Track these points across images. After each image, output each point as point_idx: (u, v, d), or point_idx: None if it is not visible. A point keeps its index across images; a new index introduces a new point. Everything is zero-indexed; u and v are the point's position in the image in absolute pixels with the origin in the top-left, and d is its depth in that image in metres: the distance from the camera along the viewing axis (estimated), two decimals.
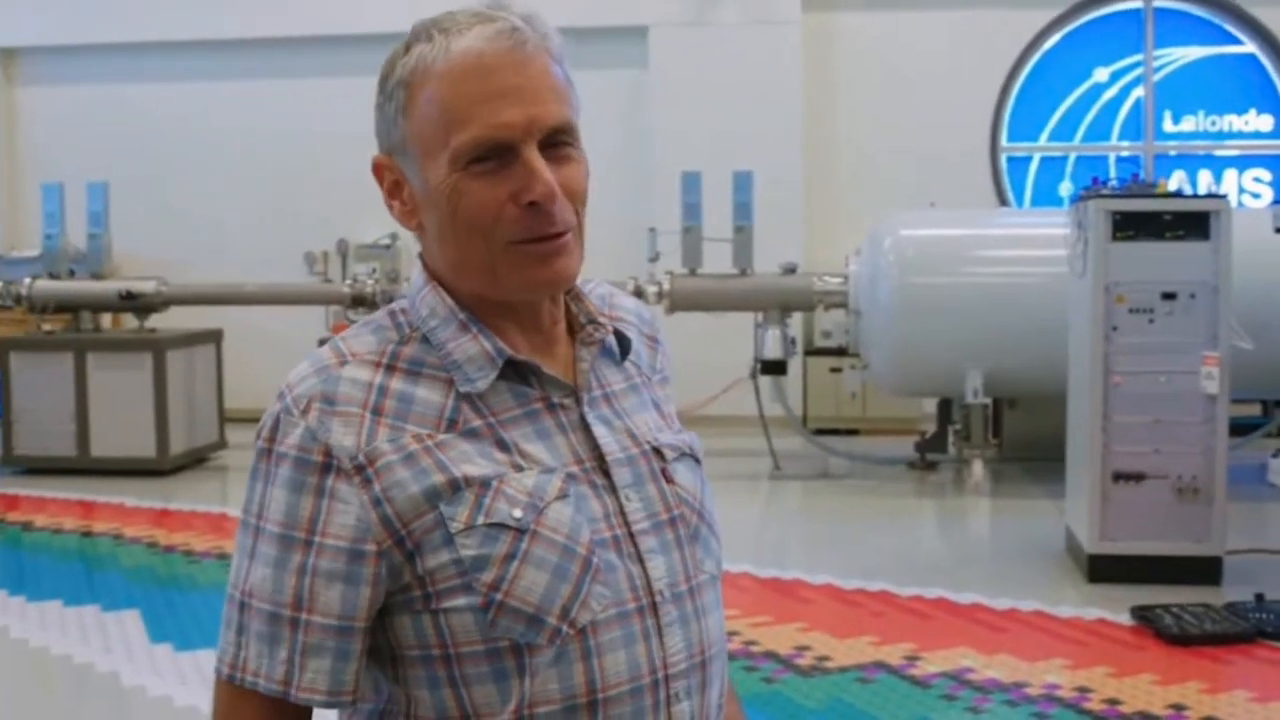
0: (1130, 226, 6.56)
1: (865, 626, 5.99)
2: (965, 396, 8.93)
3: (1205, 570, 6.54)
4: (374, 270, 11.61)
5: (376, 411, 1.36)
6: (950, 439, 9.56)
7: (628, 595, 1.39)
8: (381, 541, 1.33)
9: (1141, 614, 5.94)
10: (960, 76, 11.63)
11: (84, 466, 9.71)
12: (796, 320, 10.42)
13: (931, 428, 9.82)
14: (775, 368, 9.55)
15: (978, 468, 8.97)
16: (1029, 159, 11.93)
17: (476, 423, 1.38)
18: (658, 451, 1.48)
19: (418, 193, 1.41)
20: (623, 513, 1.41)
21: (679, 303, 9.69)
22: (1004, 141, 11.86)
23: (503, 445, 1.38)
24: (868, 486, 9.35)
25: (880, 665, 5.46)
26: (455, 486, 1.34)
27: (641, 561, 1.41)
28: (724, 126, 11.44)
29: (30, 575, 7.15)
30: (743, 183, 9.66)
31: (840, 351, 9.99)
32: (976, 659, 5.51)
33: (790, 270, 9.63)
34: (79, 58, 12.66)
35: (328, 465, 1.34)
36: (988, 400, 9.00)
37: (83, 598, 6.57)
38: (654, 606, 1.40)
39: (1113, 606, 6.15)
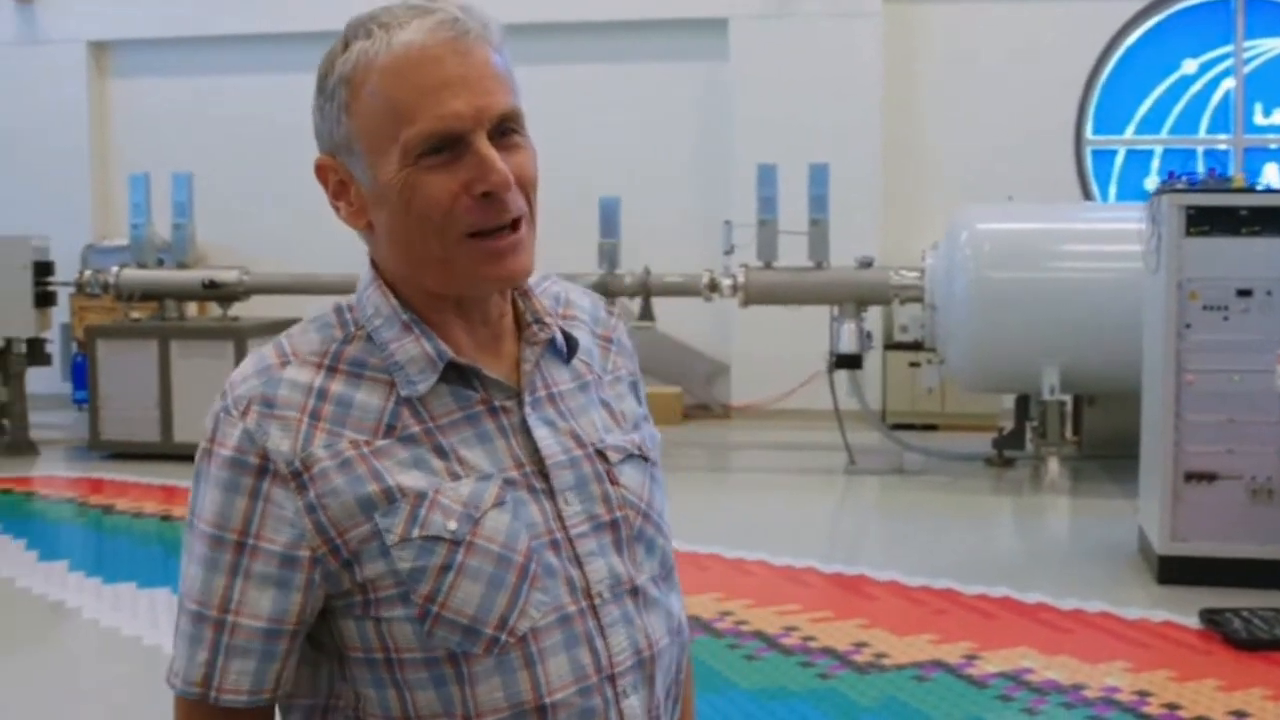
0: (1205, 221, 6.43)
1: (927, 624, 5.94)
2: (1042, 393, 8.82)
3: (1279, 574, 6.42)
4: None
5: (315, 416, 1.35)
6: (1028, 436, 9.44)
7: (567, 599, 1.39)
8: (316, 548, 1.33)
9: (1210, 617, 5.83)
10: (1044, 68, 11.45)
11: (167, 452, 9.90)
12: (875, 315, 10.35)
13: (1010, 424, 9.69)
14: (850, 362, 9.49)
15: (1054, 465, 8.85)
16: (1114, 152, 11.73)
17: (415, 429, 1.37)
18: (601, 454, 1.47)
19: (365, 191, 1.39)
20: (560, 516, 1.40)
21: (754, 296, 9.67)
22: (1089, 134, 11.67)
23: (440, 452, 1.37)
24: (942, 483, 9.26)
25: (938, 664, 5.41)
26: (390, 497, 1.33)
27: (580, 564, 1.41)
28: (803, 119, 11.37)
29: (108, 557, 7.33)
30: (818, 176, 9.61)
31: (918, 346, 9.88)
32: (1037, 660, 5.44)
33: (866, 264, 9.56)
34: (168, 51, 12.88)
35: (264, 469, 1.33)
36: (1065, 397, 8.87)
37: (157, 580, 6.71)
38: (594, 608, 1.41)
39: (1182, 609, 6.05)
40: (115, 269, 10.53)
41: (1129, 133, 11.70)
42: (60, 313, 11.33)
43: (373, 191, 1.38)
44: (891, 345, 11.12)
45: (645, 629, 1.45)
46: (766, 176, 9.70)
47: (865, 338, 9.56)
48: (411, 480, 1.34)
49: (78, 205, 12.83)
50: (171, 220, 10.61)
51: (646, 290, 9.94)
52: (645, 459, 1.53)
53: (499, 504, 1.37)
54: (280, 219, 12.41)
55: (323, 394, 1.36)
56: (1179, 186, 6.65)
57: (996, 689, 5.13)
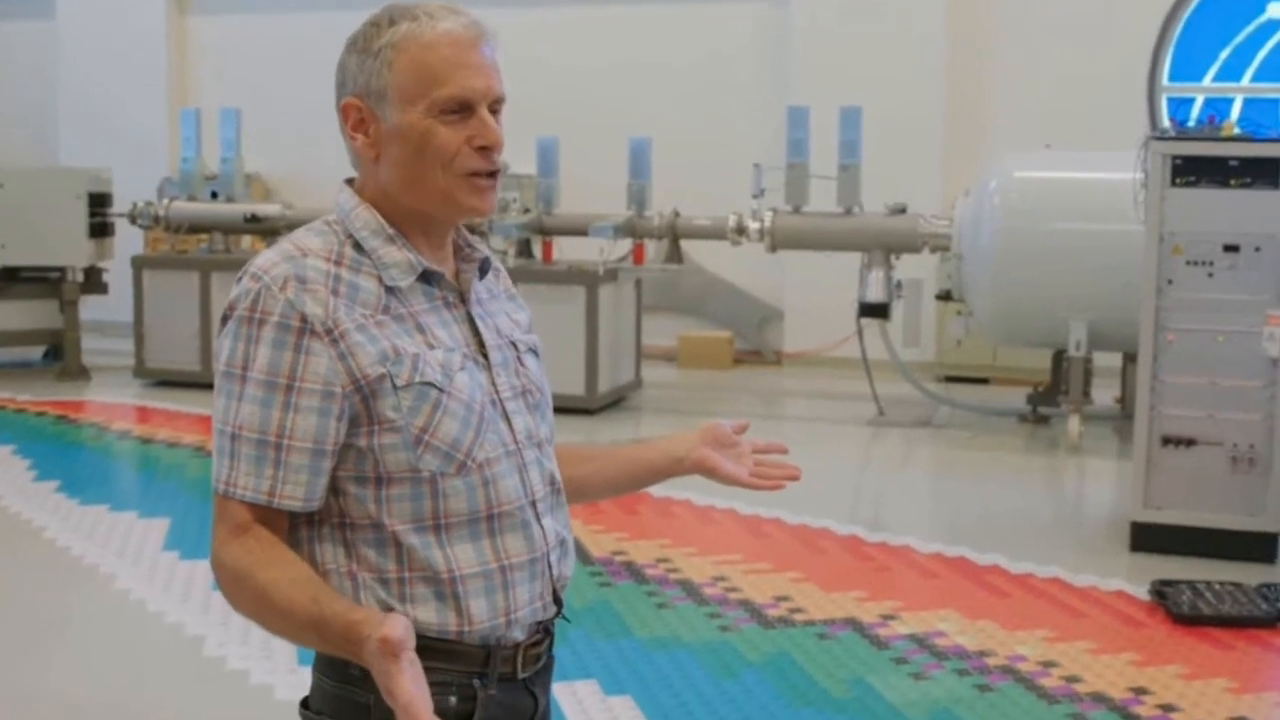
0: (1191, 172, 6.06)
1: (860, 582, 5.77)
2: (1068, 349, 8.47)
3: (1259, 546, 6.10)
4: (517, 199, 11.57)
5: (335, 293, 1.81)
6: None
7: (505, 441, 1.90)
8: (345, 386, 1.79)
9: (1159, 589, 5.54)
10: (1119, 11, 10.91)
11: (206, 381, 10.06)
12: (930, 263, 9.95)
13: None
14: (876, 310, 9.23)
15: (1074, 424, 8.48)
16: (1191, 100, 11.14)
17: (401, 310, 1.85)
18: (513, 344, 1.99)
19: (385, 130, 1.85)
20: (494, 384, 1.91)
21: (780, 241, 9.45)
22: (1164, 81, 11.10)
23: (420, 329, 1.86)
24: (965, 438, 8.98)
25: (851, 622, 5.25)
26: (397, 352, 1.81)
27: (508, 419, 1.92)
28: (863, 63, 11.05)
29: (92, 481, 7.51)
30: (850, 119, 9.32)
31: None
32: (957, 623, 5.24)
33: (898, 211, 9.26)
34: None
35: (304, 329, 1.78)
36: (1085, 353, 8.48)
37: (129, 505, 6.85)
38: (519, 451, 1.92)
39: (1140, 579, 5.76)
40: (165, 201, 10.73)
41: (1207, 80, 11.11)
42: (135, 244, 11.63)
43: (394, 131, 1.85)
44: (942, 295, 10.76)
45: (550, 470, 1.98)
46: (796, 119, 9.44)
47: (895, 286, 9.28)
48: (406, 344, 1.82)
49: (155, 139, 13.11)
50: (220, 154, 10.76)
51: (674, 232, 9.77)
52: (537, 354, 2.06)
53: (462, 368, 1.87)
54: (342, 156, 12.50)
55: (337, 278, 1.82)
56: (1168, 134, 6.28)
57: (897, 651, 4.95)
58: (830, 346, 11.36)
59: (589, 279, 9.37)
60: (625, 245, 9.95)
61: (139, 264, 10.51)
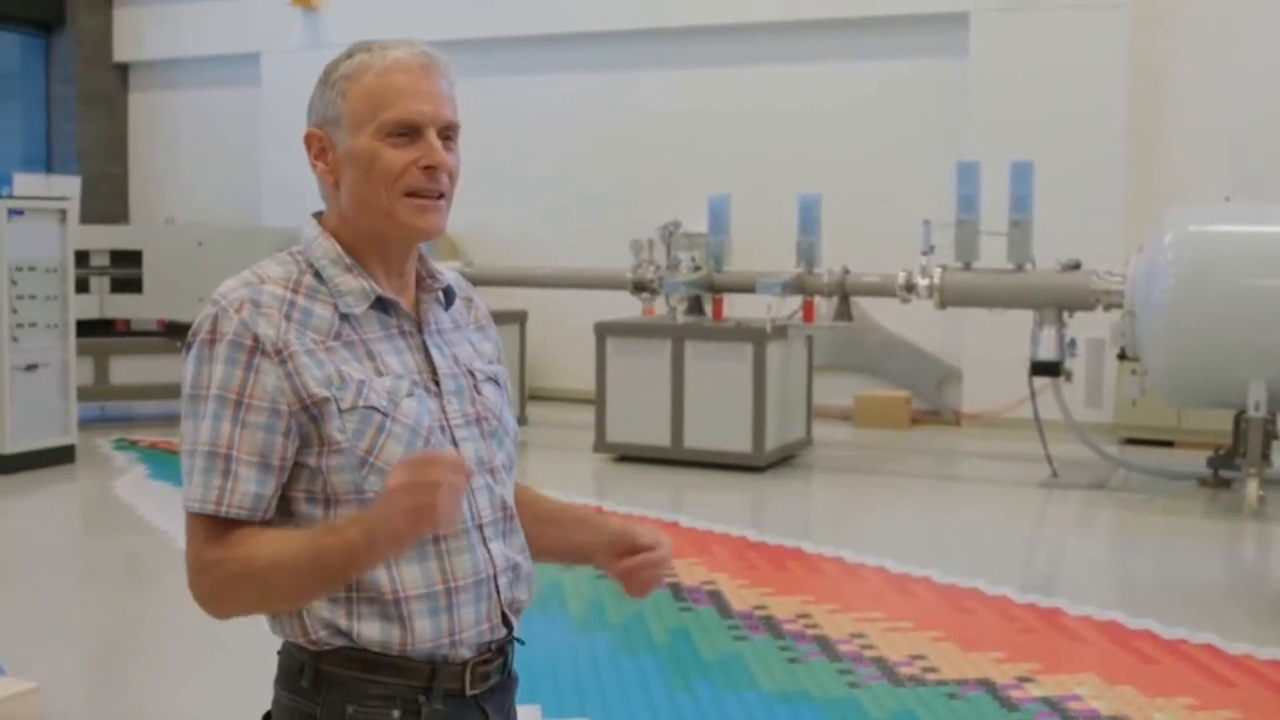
0: None
1: (1002, 642, 5.64)
2: (1247, 409, 8.17)
3: None
4: (693, 258, 11.68)
5: (288, 318, 1.90)
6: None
7: None
8: (291, 404, 1.87)
9: None
10: None
11: None
12: (1104, 321, 9.70)
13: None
14: (1048, 369, 9.04)
15: (1252, 488, 8.15)
16: None
17: (353, 337, 1.94)
18: (470, 373, 2.05)
19: (341, 155, 1.96)
20: (445, 411, 1.97)
21: (949, 298, 9.35)
22: None
23: (370, 355, 1.94)
24: (1139, 501, 8.71)
25: (984, 683, 5.12)
26: (342, 378, 1.89)
27: (456, 445, 1.98)
28: (1045, 115, 10.91)
29: None
30: (1021, 174, 9.19)
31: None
32: (1095, 688, 5.08)
33: (1072, 267, 9.07)
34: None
35: (255, 348, 1.87)
36: (1269, 414, 8.15)
37: None
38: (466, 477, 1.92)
39: None
40: None
41: None
42: None
43: (348, 155, 1.96)
44: (1124, 354, 10.48)
45: (502, 496, 2.04)
46: (967, 174, 9.35)
47: (1068, 345, 9.08)
48: (353, 370, 1.91)
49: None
50: None
51: (843, 289, 9.75)
52: (498, 383, 2.11)
53: (410, 394, 1.94)
54: (532, 213, 12.86)
55: (291, 304, 1.92)
56: None
57: (1027, 713, 4.83)
58: (1011, 407, 11.16)
59: (756, 336, 9.41)
60: (795, 302, 9.97)
61: None
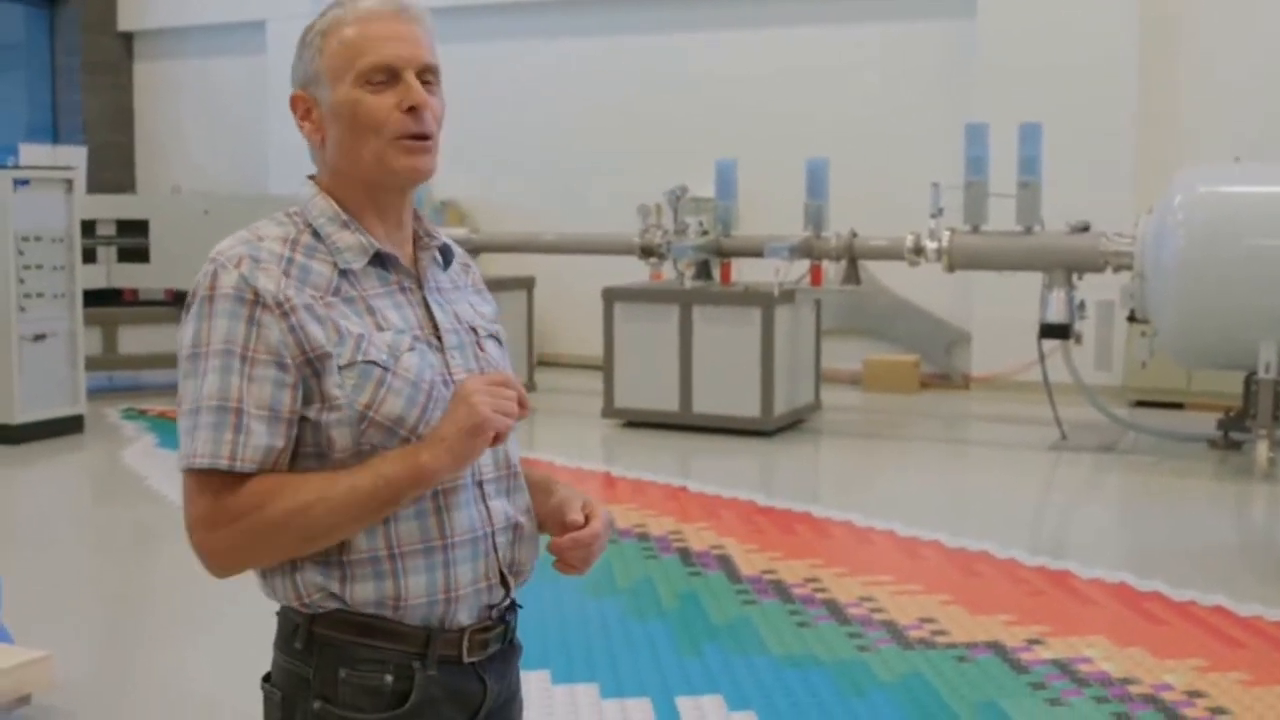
0: None
1: (1011, 605, 5.63)
2: (1257, 370, 8.13)
3: None
4: (701, 223, 11.62)
5: (286, 273, 1.89)
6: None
7: None
8: (295, 357, 1.86)
9: None
10: None
11: None
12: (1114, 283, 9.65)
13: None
14: (1057, 331, 9.00)
15: (1261, 450, 8.12)
16: None
17: (352, 293, 1.92)
18: (473, 329, 2.05)
19: (325, 112, 1.96)
20: (448, 366, 1.96)
21: (958, 261, 9.30)
22: None
23: (370, 311, 1.93)
24: (1148, 464, 8.68)
25: (994, 645, 5.12)
26: (340, 333, 1.88)
27: None
28: (1054, 76, 10.82)
29: None
30: (1029, 135, 9.13)
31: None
32: (1105, 650, 5.08)
33: (1081, 229, 9.02)
34: (442, 20, 13.44)
35: (256, 301, 1.86)
36: (1279, 376, 8.11)
37: None
38: None
39: None
40: None
41: None
42: None
43: (331, 110, 1.95)
44: (1133, 316, 10.43)
45: (506, 454, 2.03)
46: (975, 136, 9.29)
47: (1077, 307, 9.04)
48: (352, 325, 1.89)
49: None
50: None
51: (851, 253, 9.70)
52: (500, 342, 2.12)
53: (411, 349, 1.93)
54: (545, 180, 12.80)
55: (289, 260, 1.91)
56: None
57: (1036, 675, 4.82)
58: (1020, 369, 11.12)
59: (764, 300, 9.38)
60: (803, 266, 9.92)
61: None
